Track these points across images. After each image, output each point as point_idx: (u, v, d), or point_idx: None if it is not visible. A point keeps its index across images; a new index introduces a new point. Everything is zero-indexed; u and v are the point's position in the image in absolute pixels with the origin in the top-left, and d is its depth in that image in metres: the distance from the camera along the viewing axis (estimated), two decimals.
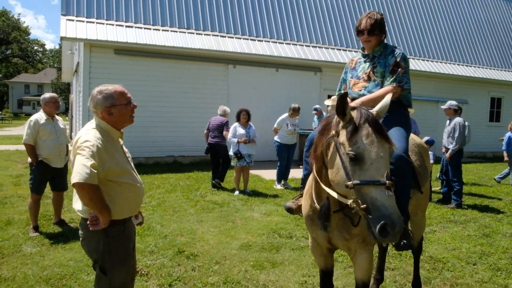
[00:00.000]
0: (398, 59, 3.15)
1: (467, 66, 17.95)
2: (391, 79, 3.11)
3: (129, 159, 2.84)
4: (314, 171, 2.62)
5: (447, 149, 8.29)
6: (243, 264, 4.76)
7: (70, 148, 5.12)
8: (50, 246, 5.10)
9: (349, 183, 2.17)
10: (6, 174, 9.90)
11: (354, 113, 2.30)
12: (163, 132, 11.80)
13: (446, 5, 18.86)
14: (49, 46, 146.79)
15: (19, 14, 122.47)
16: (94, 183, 2.40)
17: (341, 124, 2.32)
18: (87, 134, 2.55)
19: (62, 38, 10.95)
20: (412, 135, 3.51)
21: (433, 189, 8.96)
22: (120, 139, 2.80)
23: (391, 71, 3.14)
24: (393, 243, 2.89)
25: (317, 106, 12.21)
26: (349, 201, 2.21)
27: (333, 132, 2.36)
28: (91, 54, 11.30)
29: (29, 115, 63.75)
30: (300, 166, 11.50)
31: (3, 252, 4.84)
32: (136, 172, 2.83)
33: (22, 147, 15.59)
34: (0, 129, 29.55)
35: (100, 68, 11.41)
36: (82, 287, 4.02)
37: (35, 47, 79.23)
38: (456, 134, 8.09)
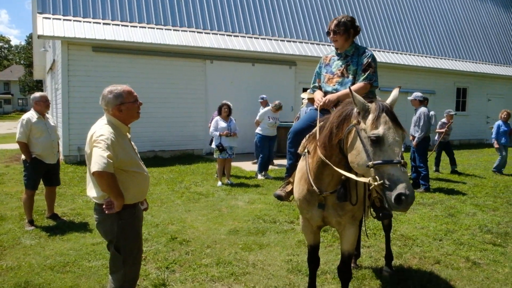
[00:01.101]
0: (369, 60, 3.71)
1: (434, 58, 18.74)
2: (363, 77, 3.67)
3: (136, 151, 3.18)
4: (323, 157, 2.96)
5: (414, 137, 8.88)
6: (233, 247, 5.15)
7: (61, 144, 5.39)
8: (48, 238, 5.37)
9: (370, 163, 2.55)
10: None
11: (372, 105, 2.70)
12: (143, 127, 11.93)
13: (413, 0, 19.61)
14: (13, 42, 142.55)
15: None
16: (111, 171, 2.76)
17: (362, 113, 2.70)
18: (101, 129, 2.89)
19: (39, 37, 10.98)
20: None
21: None
22: (128, 133, 3.13)
23: (363, 69, 3.69)
24: (375, 216, 3.39)
25: (263, 95, 11.71)
26: (368, 179, 2.57)
27: (355, 121, 2.73)
28: (69, 52, 11.38)
29: None
30: (278, 157, 11.96)
31: (4, 245, 5.08)
32: (142, 162, 3.18)
33: (0, 147, 15.51)
34: None
35: (78, 65, 11.52)
36: (85, 272, 4.34)
37: (0, 44, 76.98)
38: (421, 123, 8.69)
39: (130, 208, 3.01)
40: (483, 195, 8.30)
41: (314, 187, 3.13)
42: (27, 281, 4.06)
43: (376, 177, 2.52)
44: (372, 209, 3.45)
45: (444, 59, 19.13)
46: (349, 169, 2.84)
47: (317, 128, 3.19)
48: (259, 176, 9.66)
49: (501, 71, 20.84)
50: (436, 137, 10.89)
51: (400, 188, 2.43)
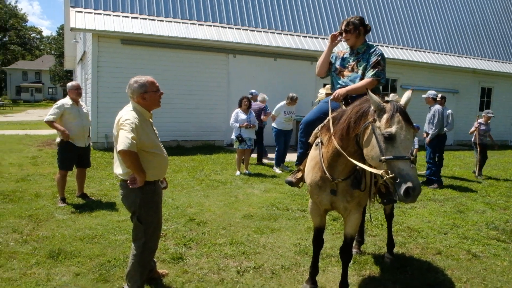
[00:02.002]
0: (379, 58, 4.03)
1: (458, 56, 18.63)
2: (372, 73, 3.99)
3: (157, 135, 3.59)
4: (340, 148, 3.24)
5: (427, 134, 9.06)
6: (246, 229, 5.53)
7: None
8: (78, 214, 5.87)
9: (382, 158, 2.86)
10: (22, 155, 10.61)
11: (387, 105, 2.97)
12: (168, 118, 12.42)
13: None
14: (45, 33, 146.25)
15: (16, 1, 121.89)
16: (134, 151, 3.17)
17: (378, 112, 2.98)
18: (127, 114, 3.31)
19: (72, 29, 11.57)
20: None
21: (418, 172, 9.73)
22: (150, 119, 3.54)
23: (372, 66, 4.01)
24: (380, 201, 3.71)
25: (252, 91, 11.42)
26: (381, 171, 2.87)
27: (371, 119, 3.02)
28: (99, 44, 11.95)
29: (27, 101, 64.22)
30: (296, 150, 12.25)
31: (40, 218, 5.60)
32: (162, 145, 3.58)
33: (31, 132, 16.36)
34: (2, 116, 30.06)
35: (107, 57, 12.08)
36: (111, 244, 4.79)
37: (33, 34, 79.30)
38: (435, 120, 8.85)
39: (151, 184, 3.42)
40: (496, 194, 8.43)
41: (327, 174, 3.43)
42: (60, 248, 4.53)
43: (388, 171, 2.83)
44: (377, 196, 3.77)
45: (469, 57, 18.99)
46: (363, 160, 3.14)
47: (330, 120, 3.48)
48: (277, 170, 9.93)
49: None
50: (472, 139, 10.75)
51: (408, 182, 2.73)
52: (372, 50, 4.10)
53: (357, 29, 4.09)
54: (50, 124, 6.23)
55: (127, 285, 3.47)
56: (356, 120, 3.12)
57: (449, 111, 9.43)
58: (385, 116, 2.91)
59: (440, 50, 18.26)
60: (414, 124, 8.42)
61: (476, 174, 10.39)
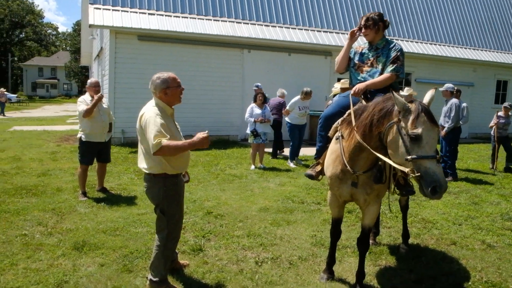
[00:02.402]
0: (398, 54, 4.09)
1: (474, 49, 18.42)
2: (391, 68, 4.05)
3: (179, 129, 3.72)
4: (363, 142, 3.30)
5: (443, 127, 9.04)
6: (263, 222, 5.66)
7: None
8: (99, 207, 6.06)
9: (408, 157, 2.93)
10: (42, 151, 10.89)
11: (412, 105, 3.05)
12: (182, 113, 12.49)
13: None
14: (60, 29, 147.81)
15: None
16: (166, 143, 3.24)
17: (403, 113, 3.04)
18: (149, 111, 3.44)
19: (90, 26, 11.79)
20: None
21: None
22: (172, 114, 3.65)
23: (392, 62, 4.07)
24: (398, 193, 3.80)
25: (258, 83, 11.37)
26: (407, 170, 2.95)
27: (396, 119, 3.09)
28: (116, 40, 12.14)
29: (43, 98, 65.11)
30: (310, 145, 12.31)
31: (62, 211, 5.80)
32: (184, 139, 3.70)
33: (48, 128, 16.70)
34: (19, 112, 30.66)
35: (124, 53, 12.27)
36: (132, 236, 4.96)
37: (49, 31, 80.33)
38: (452, 114, 8.84)
39: (173, 177, 3.55)
40: (511, 186, 8.41)
41: (348, 167, 3.51)
42: (84, 240, 4.71)
43: (414, 169, 2.91)
44: (396, 188, 3.84)
45: (485, 50, 18.76)
46: (385, 154, 3.22)
47: (352, 114, 3.54)
48: (291, 164, 10.00)
49: None
50: (492, 132, 10.60)
51: (435, 180, 2.82)
52: (391, 45, 4.15)
53: (377, 25, 4.14)
54: (88, 112, 6.27)
55: (151, 275, 3.62)
56: (380, 118, 3.18)
57: (464, 104, 9.39)
58: (411, 117, 2.97)
59: (455, 43, 18.08)
60: None
61: (492, 167, 10.31)
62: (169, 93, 3.54)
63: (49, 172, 8.30)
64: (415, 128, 2.93)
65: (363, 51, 4.29)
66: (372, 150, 3.26)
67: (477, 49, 18.52)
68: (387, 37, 4.33)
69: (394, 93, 3.07)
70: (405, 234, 4.95)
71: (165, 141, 3.24)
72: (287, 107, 10.21)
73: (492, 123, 10.58)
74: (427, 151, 2.90)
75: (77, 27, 64.49)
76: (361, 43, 4.50)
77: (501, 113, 10.62)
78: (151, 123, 3.33)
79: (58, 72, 73.58)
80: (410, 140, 2.94)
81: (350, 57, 4.39)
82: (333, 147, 3.79)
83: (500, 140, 10.47)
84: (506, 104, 10.80)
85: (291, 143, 10.17)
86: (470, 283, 4.08)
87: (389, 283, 4.04)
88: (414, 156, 2.91)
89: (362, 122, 3.33)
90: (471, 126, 18.15)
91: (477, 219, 6.09)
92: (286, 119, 10.27)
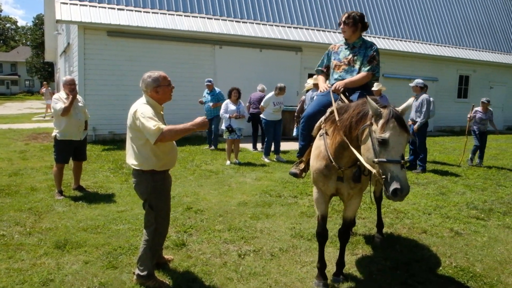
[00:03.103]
0: (375, 54, 4.28)
1: (437, 45, 19.10)
2: (368, 67, 4.24)
3: None
4: (346, 139, 3.43)
5: (414, 122, 9.39)
6: (242, 216, 5.78)
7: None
8: (77, 206, 6.01)
9: (375, 159, 3.08)
10: (10, 150, 10.60)
11: (384, 111, 3.17)
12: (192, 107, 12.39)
13: None
14: (19, 23, 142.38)
15: None
16: (163, 131, 3.35)
17: (375, 117, 3.18)
18: (141, 107, 3.51)
19: (57, 21, 11.53)
20: None
21: None
22: (161, 112, 3.73)
23: (369, 61, 4.26)
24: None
25: (210, 79, 11.67)
26: (374, 171, 3.11)
27: (369, 122, 3.23)
28: (85, 36, 11.92)
29: (3, 94, 62.60)
30: (283, 140, 12.49)
31: (39, 210, 5.73)
32: None
33: (14, 126, 16.21)
34: None
35: (93, 49, 12.08)
36: (114, 233, 4.98)
37: (7, 25, 77.30)
38: (424, 109, 9.20)
39: (161, 173, 3.64)
40: (475, 177, 8.87)
41: (334, 163, 3.65)
42: (66, 239, 4.70)
43: (380, 171, 3.06)
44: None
45: (448, 46, 19.48)
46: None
47: (335, 111, 3.67)
48: (266, 159, 10.08)
49: (504, 59, 21.17)
50: (475, 128, 10.60)
51: (397, 183, 2.95)
52: (369, 45, 4.33)
53: (356, 24, 4.29)
54: (66, 110, 6.21)
55: (138, 269, 3.68)
56: (357, 121, 3.33)
57: (431, 99, 9.77)
58: (380, 122, 3.11)
59: (421, 40, 18.70)
60: None
61: (478, 162, 10.34)
62: (160, 91, 3.62)
63: (20, 171, 8.13)
64: (383, 132, 3.06)
65: (339, 50, 4.44)
66: (353, 149, 3.39)
67: (440, 45, 19.21)
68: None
69: (368, 97, 3.21)
70: (379, 224, 5.19)
71: (165, 127, 3.34)
72: (262, 104, 10.27)
73: (468, 117, 10.61)
74: (392, 156, 3.02)
75: (38, 21, 62.33)
76: (326, 41, 4.66)
77: (479, 108, 10.63)
78: (148, 116, 3.42)
79: (19, 68, 70.92)
80: (378, 144, 3.08)
81: (326, 58, 4.60)
82: (318, 143, 3.92)
83: (482, 135, 10.50)
84: (484, 99, 10.75)
85: (266, 139, 10.30)
86: (441, 268, 4.35)
87: (366, 270, 4.25)
88: (380, 159, 3.05)
89: (343, 123, 3.48)
90: (436, 119, 18.85)
91: (445, 209, 6.42)
92: (261, 115, 10.36)
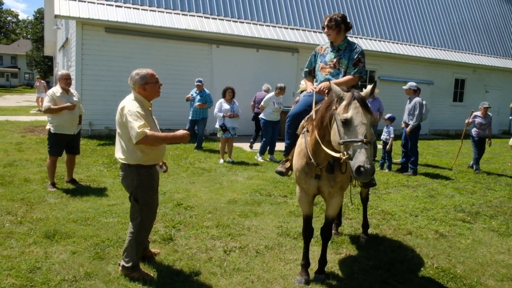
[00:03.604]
0: (360, 56, 4.38)
1: (433, 49, 19.19)
2: (354, 70, 4.35)
3: (156, 122, 3.87)
4: (318, 137, 3.57)
5: (406, 124, 9.47)
6: (231, 213, 5.86)
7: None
8: (69, 198, 6.09)
9: (340, 141, 3.19)
10: (6, 141, 10.66)
11: (347, 94, 3.31)
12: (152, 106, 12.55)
13: None
14: (20, 16, 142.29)
15: None
16: (148, 133, 3.46)
17: (338, 100, 3.32)
18: (129, 104, 3.60)
19: (56, 16, 11.58)
20: None
21: (394, 160, 10.20)
22: (150, 108, 3.81)
23: (354, 64, 4.37)
24: (361, 184, 4.06)
25: (200, 79, 11.43)
26: (339, 154, 3.22)
27: (334, 107, 3.36)
28: (83, 31, 11.99)
29: (3, 87, 62.56)
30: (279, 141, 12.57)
31: (31, 201, 5.81)
32: (160, 132, 3.86)
33: (12, 118, 16.26)
34: None
35: (91, 45, 12.14)
36: (103, 226, 5.06)
37: (9, 18, 77.20)
38: (416, 112, 9.28)
39: (147, 168, 3.73)
40: (465, 180, 8.96)
41: (312, 160, 3.74)
42: (56, 229, 4.78)
43: (345, 152, 3.16)
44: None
45: (444, 50, 19.58)
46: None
47: (313, 111, 3.80)
48: (259, 158, 10.13)
49: (499, 63, 21.29)
50: (473, 133, 10.33)
51: (360, 161, 3.02)
52: (353, 47, 4.42)
53: (339, 26, 4.39)
54: (50, 110, 6.37)
55: (123, 261, 3.76)
56: (326, 110, 3.47)
57: (424, 102, 9.86)
58: (343, 103, 3.25)
59: (417, 43, 18.80)
60: (390, 114, 8.90)
61: (474, 168, 10.16)
62: (148, 88, 3.71)
63: (15, 162, 8.20)
64: (346, 112, 3.18)
65: (325, 52, 4.53)
66: (320, 142, 3.49)
67: (436, 49, 19.31)
68: (349, 37, 4.60)
69: (332, 83, 3.35)
70: (365, 225, 5.28)
71: (148, 131, 3.43)
72: (262, 103, 10.23)
73: (466, 121, 10.40)
74: (356, 135, 3.12)
75: (38, 15, 62.27)
76: (323, 42, 4.75)
77: (478, 113, 10.36)
78: (134, 114, 3.51)
79: (19, 60, 70.85)
80: (342, 125, 3.18)
81: (312, 60, 4.70)
82: (300, 141, 4.03)
83: (480, 141, 10.26)
84: (486, 104, 10.44)
85: (263, 139, 10.26)
86: (422, 268, 4.43)
87: (348, 269, 4.34)
88: (344, 140, 3.15)
89: (317, 116, 3.60)
90: (431, 122, 18.99)
91: (432, 211, 6.51)
92: (261, 115, 10.31)
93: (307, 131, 3.87)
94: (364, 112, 3.21)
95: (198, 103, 10.96)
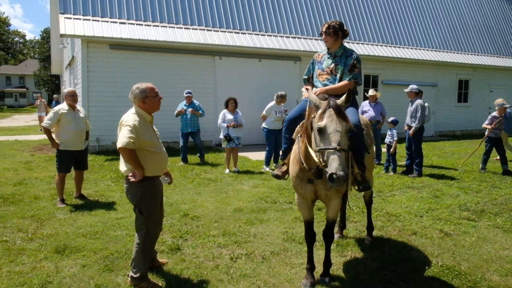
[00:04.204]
0: (355, 62, 4.45)
1: (436, 51, 19.24)
2: (350, 76, 4.42)
3: (158, 135, 4.00)
4: (306, 141, 3.69)
5: (409, 127, 9.53)
6: (237, 222, 5.95)
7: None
8: (78, 213, 6.22)
9: (316, 148, 3.32)
10: (16, 161, 10.87)
11: (323, 102, 3.42)
12: (157, 119, 12.64)
13: None
14: (28, 36, 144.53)
15: None
16: (131, 148, 3.62)
17: (315, 109, 3.45)
18: (128, 117, 3.73)
19: (61, 35, 11.87)
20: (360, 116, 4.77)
21: (399, 163, 10.23)
22: (151, 121, 3.94)
23: (350, 69, 4.44)
24: (356, 188, 4.12)
25: (189, 90, 11.09)
26: (317, 160, 3.35)
27: (312, 115, 3.49)
28: (88, 49, 12.24)
29: (11, 107, 63.49)
30: None
31: (42, 218, 5.95)
32: (162, 145, 3.99)
33: (20, 137, 16.54)
34: None
35: (96, 62, 12.38)
36: (112, 239, 5.17)
37: (16, 38, 78.46)
38: (418, 114, 9.33)
39: (150, 179, 3.84)
40: (471, 179, 8.97)
41: (305, 165, 3.82)
42: (65, 244, 4.90)
43: (321, 159, 3.29)
44: (354, 183, 4.19)
45: (446, 52, 19.62)
46: None
47: (306, 117, 3.91)
48: (266, 168, 10.05)
49: (503, 63, 21.28)
50: (486, 132, 10.07)
51: (333, 168, 3.14)
52: (349, 53, 4.50)
53: (336, 33, 4.48)
54: (46, 131, 6.64)
55: (131, 272, 3.87)
56: (308, 117, 3.60)
57: (426, 104, 9.91)
58: (319, 112, 3.38)
59: (418, 46, 18.86)
60: (393, 118, 8.96)
61: (481, 167, 10.00)
62: (148, 102, 3.84)
63: (25, 181, 8.37)
64: (321, 121, 3.30)
65: (322, 60, 4.62)
66: (308, 146, 3.58)
67: (439, 51, 19.34)
68: (351, 44, 4.70)
69: (309, 91, 3.48)
70: (369, 227, 5.34)
71: (132, 147, 3.60)
72: (264, 113, 10.26)
73: (487, 125, 10.06)
74: (330, 143, 3.24)
75: (45, 35, 63.29)
76: (319, 50, 4.85)
77: (495, 113, 10.08)
78: (128, 125, 3.67)
79: (27, 80, 71.98)
80: (317, 133, 3.31)
81: (311, 68, 4.78)
82: (294, 147, 4.13)
83: (494, 141, 10.00)
84: (505, 104, 10.11)
85: (267, 148, 10.24)
86: (427, 267, 4.48)
87: (353, 271, 4.40)
88: (319, 147, 3.28)
89: (304, 123, 3.74)
90: (437, 124, 18.98)
91: (437, 211, 6.55)
92: (263, 124, 10.31)
93: (300, 136, 3.97)
94: (338, 120, 3.32)
95: (191, 109, 10.66)
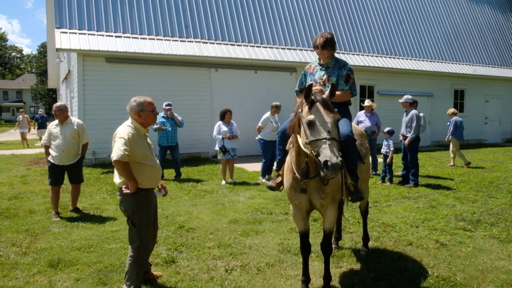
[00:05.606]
0: (349, 73, 4.49)
1: (431, 61, 19.39)
2: (346, 87, 4.45)
3: (151, 148, 4.00)
4: (296, 138, 3.68)
5: (405, 137, 9.56)
6: (233, 233, 5.92)
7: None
8: (73, 226, 6.19)
9: (307, 140, 3.36)
10: (12, 175, 10.84)
11: (310, 98, 3.47)
12: (152, 132, 12.69)
13: (409, 5, 20.30)
14: (25, 51, 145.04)
15: None
16: (125, 161, 3.63)
17: (303, 105, 3.50)
18: (123, 129, 3.75)
19: (57, 50, 11.90)
20: (354, 125, 4.78)
21: (395, 173, 10.24)
22: (146, 133, 3.95)
23: (345, 81, 4.46)
24: (349, 199, 4.11)
25: (169, 102, 10.55)
26: (309, 152, 3.39)
27: (299, 110, 3.55)
28: (84, 63, 12.29)
29: (9, 121, 63.51)
30: None
31: (36, 232, 5.91)
32: (155, 157, 3.99)
33: (17, 152, 16.50)
34: None
35: (92, 75, 12.43)
36: (106, 252, 5.14)
37: (13, 53, 78.81)
38: (414, 124, 9.37)
39: (144, 191, 3.84)
40: (467, 189, 8.98)
41: (297, 174, 3.82)
42: (59, 258, 4.87)
43: (312, 151, 3.33)
44: (347, 193, 4.18)
45: (441, 62, 19.77)
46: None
47: (294, 113, 3.92)
48: (263, 180, 9.99)
49: (497, 73, 21.44)
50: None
51: (326, 156, 3.18)
52: (342, 64, 4.52)
53: (333, 47, 4.52)
54: (45, 147, 6.89)
55: (125, 285, 3.84)
56: (295, 114, 3.67)
57: (421, 114, 9.96)
58: (307, 107, 3.46)
59: (413, 56, 19.01)
60: (389, 128, 8.99)
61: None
62: (143, 115, 3.87)
63: (20, 195, 8.34)
64: (310, 115, 3.38)
65: (314, 71, 4.63)
66: (300, 143, 3.58)
67: (434, 61, 19.49)
68: (347, 55, 4.75)
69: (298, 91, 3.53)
70: (365, 237, 5.31)
71: (122, 160, 3.60)
72: (259, 124, 10.27)
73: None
74: (320, 134, 3.30)
75: (42, 49, 63.56)
76: (310, 61, 4.88)
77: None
78: (123, 138, 3.68)
79: (24, 95, 72.14)
80: (307, 126, 3.37)
81: (303, 80, 4.80)
82: (287, 158, 4.12)
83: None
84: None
85: (264, 160, 10.19)
86: (422, 278, 4.46)
87: (348, 282, 4.37)
88: (310, 139, 3.34)
89: (292, 121, 3.79)
90: (433, 134, 19.03)
91: (433, 221, 6.54)
92: (259, 136, 10.30)
93: (293, 146, 3.98)
94: (326, 112, 3.40)
95: (157, 125, 10.00)
